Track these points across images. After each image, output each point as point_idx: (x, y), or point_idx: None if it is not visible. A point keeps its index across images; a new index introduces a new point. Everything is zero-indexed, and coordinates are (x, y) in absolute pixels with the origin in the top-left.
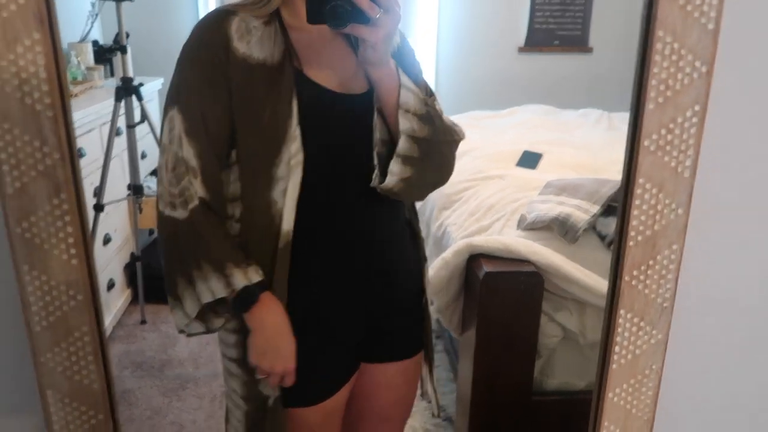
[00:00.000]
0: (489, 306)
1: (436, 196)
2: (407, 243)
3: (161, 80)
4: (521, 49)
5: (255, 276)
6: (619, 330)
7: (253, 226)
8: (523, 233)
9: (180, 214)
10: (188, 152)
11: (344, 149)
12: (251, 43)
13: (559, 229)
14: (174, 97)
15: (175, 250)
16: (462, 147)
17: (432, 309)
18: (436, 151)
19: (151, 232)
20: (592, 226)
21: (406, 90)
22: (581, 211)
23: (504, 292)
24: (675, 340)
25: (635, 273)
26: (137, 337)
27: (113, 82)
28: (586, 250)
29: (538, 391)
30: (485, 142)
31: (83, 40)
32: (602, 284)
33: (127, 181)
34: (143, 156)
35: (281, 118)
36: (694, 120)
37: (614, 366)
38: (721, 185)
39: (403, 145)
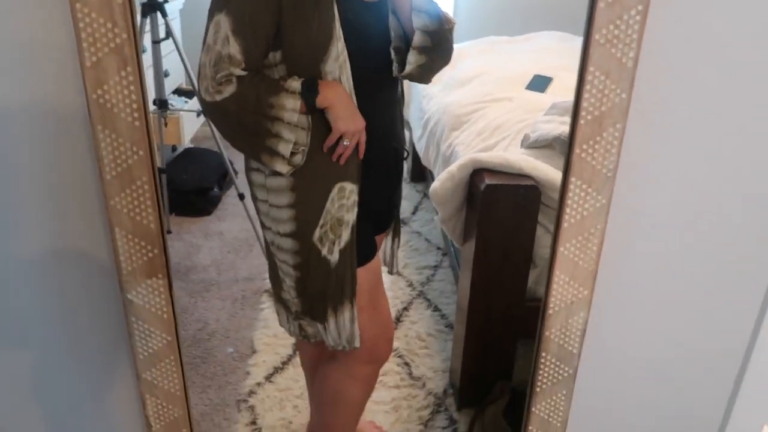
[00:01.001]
0: (489, 216)
1: (446, 118)
2: (401, 127)
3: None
4: None
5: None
6: (570, 195)
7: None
8: (526, 151)
9: (230, 90)
10: (234, 49)
11: (372, 46)
12: None
13: (560, 148)
14: (222, 3)
15: (242, 115)
16: (473, 71)
17: (436, 219)
18: (444, 38)
19: (174, 148)
20: None
21: None
22: None
23: (503, 204)
24: (616, 205)
25: (584, 147)
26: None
27: (138, 1)
28: None
29: (532, 297)
30: (497, 66)
31: None
32: None
33: (152, 97)
34: (166, 74)
35: (327, 19)
36: (638, 18)
37: (565, 225)
38: (659, 74)
39: (418, 38)
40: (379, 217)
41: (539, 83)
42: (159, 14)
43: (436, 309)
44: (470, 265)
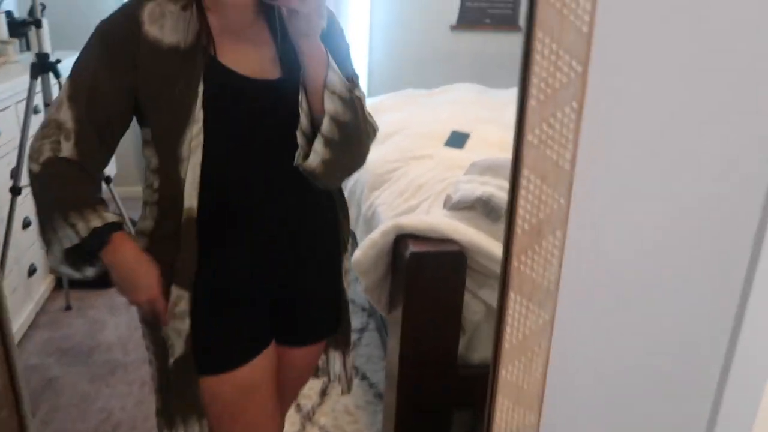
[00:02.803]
0: (415, 285)
1: (366, 177)
2: (321, 229)
3: None
4: (453, 27)
5: (103, 219)
6: (510, 312)
7: (165, 199)
8: (449, 213)
9: (34, 167)
10: (65, 115)
11: (251, 132)
12: (165, 27)
13: (483, 209)
14: (72, 68)
15: (38, 199)
16: (392, 126)
17: (360, 288)
18: (356, 136)
19: None
20: None
21: (332, 71)
22: (503, 191)
23: (429, 271)
24: (560, 321)
25: (523, 258)
26: (62, 323)
27: (30, 57)
28: None
29: (463, 364)
30: (416, 121)
31: None
32: None
33: None
34: None
35: (186, 101)
36: (572, 116)
37: (506, 346)
38: (598, 177)
39: (326, 126)
40: (271, 322)
41: (457, 139)
42: (51, 74)
43: (363, 377)
44: (398, 335)
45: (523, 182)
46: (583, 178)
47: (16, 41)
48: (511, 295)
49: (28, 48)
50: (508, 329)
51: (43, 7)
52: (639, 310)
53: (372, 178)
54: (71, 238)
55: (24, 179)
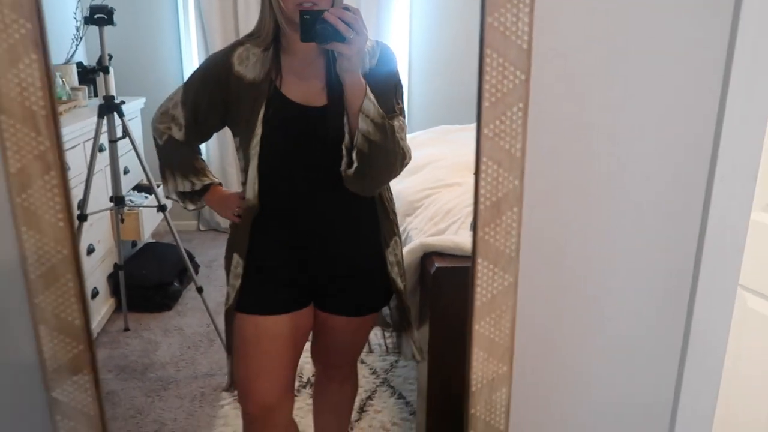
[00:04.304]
0: (440, 299)
1: (400, 204)
2: (357, 226)
3: (143, 99)
4: None
5: (210, 180)
6: (479, 275)
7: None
8: None
9: (159, 143)
10: (178, 113)
11: (297, 145)
12: (248, 66)
13: None
14: (187, 80)
15: (163, 161)
16: (425, 158)
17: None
18: (383, 154)
19: (133, 244)
20: None
21: (368, 100)
22: None
23: (454, 286)
24: (523, 283)
25: (487, 230)
26: (120, 343)
27: (96, 102)
28: None
29: None
30: (448, 153)
31: (68, 61)
32: None
33: (110, 194)
34: (126, 171)
35: (252, 119)
36: (519, 114)
37: (478, 303)
38: (544, 162)
39: (359, 141)
40: (301, 292)
41: None
42: (116, 114)
43: (400, 396)
44: (426, 349)
45: (483, 167)
46: (533, 163)
47: (85, 88)
48: (479, 260)
49: (95, 94)
50: (478, 290)
51: (110, 57)
52: (590, 271)
53: (405, 206)
54: (188, 187)
55: (89, 209)
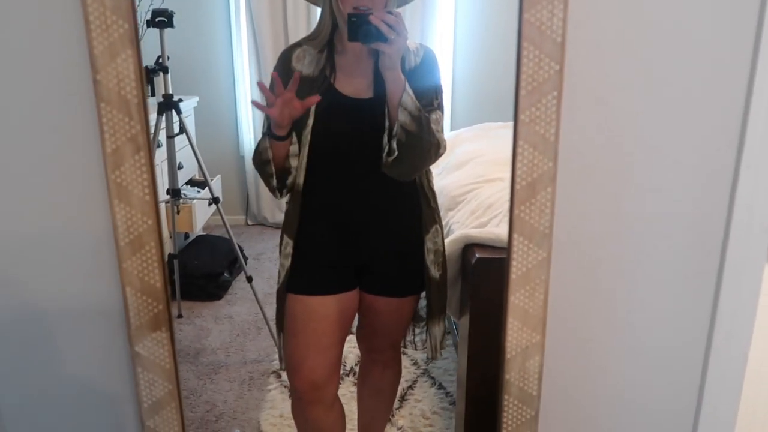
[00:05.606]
0: (480, 289)
1: (443, 199)
2: (400, 212)
3: (196, 98)
4: None
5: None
6: (515, 249)
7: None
8: None
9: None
10: None
11: (345, 134)
12: (304, 64)
13: None
14: None
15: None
16: (468, 155)
17: None
18: (419, 143)
19: (186, 236)
20: None
21: (407, 95)
22: None
23: (494, 276)
24: (556, 258)
25: (522, 208)
26: (174, 329)
27: (154, 100)
28: None
29: None
30: (490, 149)
31: None
32: None
33: (166, 187)
34: (180, 167)
35: (307, 110)
36: (554, 102)
37: (513, 276)
38: (576, 146)
39: (397, 131)
40: (347, 274)
41: None
42: (174, 112)
43: (440, 387)
44: (466, 338)
45: (519, 150)
46: (565, 146)
47: (146, 87)
48: (515, 236)
49: (153, 94)
50: (513, 263)
51: (168, 57)
52: (619, 247)
53: (448, 201)
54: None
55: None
